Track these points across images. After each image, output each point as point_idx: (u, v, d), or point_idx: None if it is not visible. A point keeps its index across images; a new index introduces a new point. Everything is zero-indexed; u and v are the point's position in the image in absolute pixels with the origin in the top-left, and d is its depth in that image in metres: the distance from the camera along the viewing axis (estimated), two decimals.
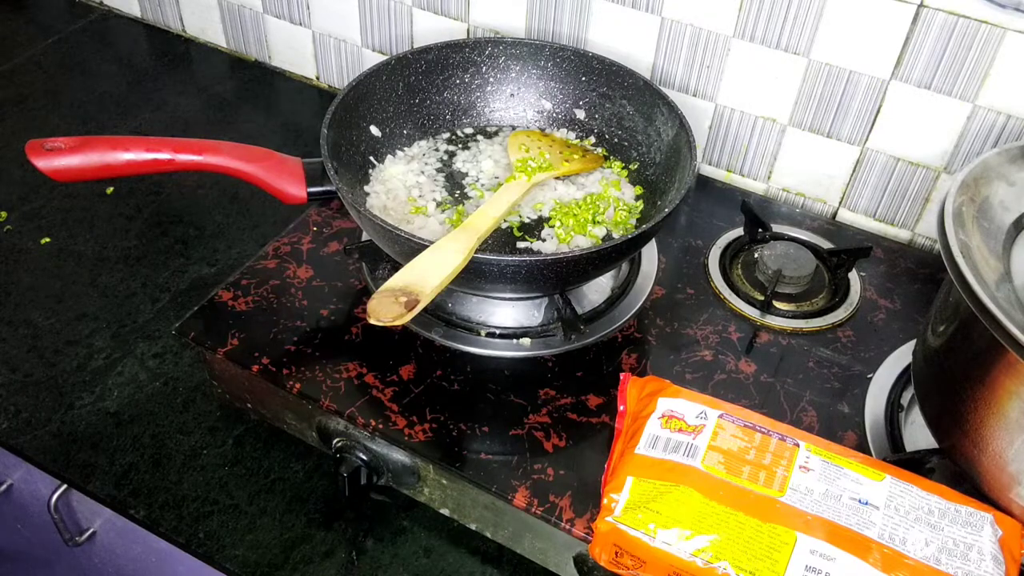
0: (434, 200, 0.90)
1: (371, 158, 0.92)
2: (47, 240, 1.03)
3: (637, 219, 0.89)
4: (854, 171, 1.00)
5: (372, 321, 0.62)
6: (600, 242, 0.85)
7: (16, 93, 1.25)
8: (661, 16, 0.99)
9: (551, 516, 0.69)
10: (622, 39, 1.03)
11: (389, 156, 0.94)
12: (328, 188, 0.80)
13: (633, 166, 0.94)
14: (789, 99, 0.99)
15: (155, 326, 0.93)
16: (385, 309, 0.63)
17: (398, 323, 0.62)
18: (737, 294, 0.91)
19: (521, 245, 0.86)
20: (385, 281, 0.85)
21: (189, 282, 0.98)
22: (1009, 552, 0.62)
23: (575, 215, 0.87)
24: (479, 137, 0.99)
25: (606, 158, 0.96)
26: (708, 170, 1.09)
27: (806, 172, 1.03)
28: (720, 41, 0.98)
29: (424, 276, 0.67)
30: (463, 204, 0.90)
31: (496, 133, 1.00)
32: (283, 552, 0.75)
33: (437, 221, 0.87)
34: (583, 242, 0.85)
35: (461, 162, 0.95)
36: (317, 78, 1.30)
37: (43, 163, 0.80)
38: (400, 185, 0.91)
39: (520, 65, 0.98)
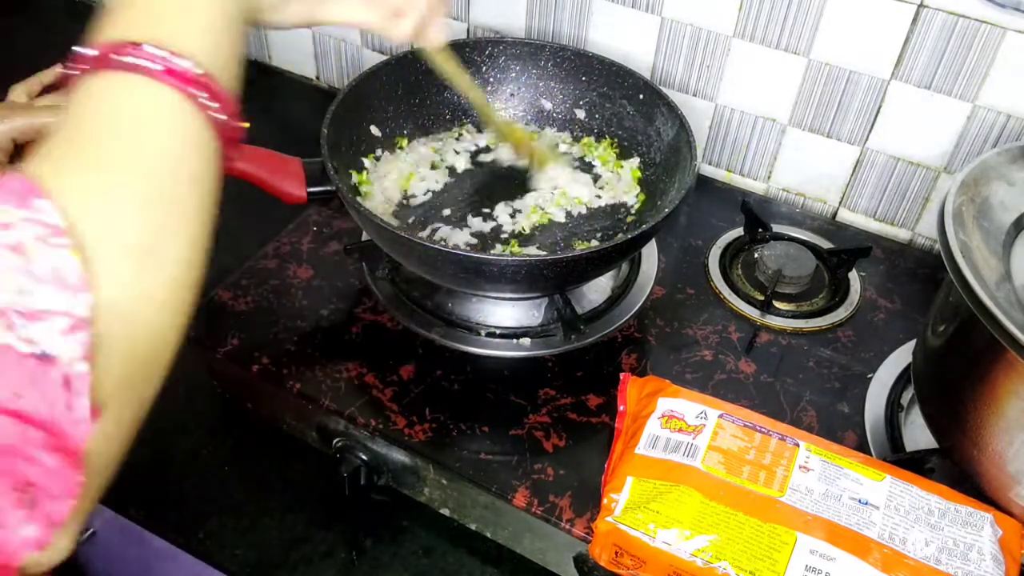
0: None
1: (371, 157, 0.92)
2: None
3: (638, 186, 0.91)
4: (854, 171, 1.00)
5: None
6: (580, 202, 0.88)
7: None
8: (661, 16, 0.99)
9: (551, 516, 0.69)
10: (622, 39, 1.03)
11: (389, 155, 0.94)
12: (328, 188, 0.80)
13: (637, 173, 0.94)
14: (789, 99, 0.99)
15: None
16: None
17: None
18: (737, 294, 0.91)
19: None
20: (385, 281, 0.86)
21: None
22: (1009, 552, 0.62)
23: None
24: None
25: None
26: (708, 170, 1.09)
27: (806, 172, 1.03)
28: (720, 41, 0.98)
29: None
30: None
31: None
32: (283, 552, 0.75)
33: None
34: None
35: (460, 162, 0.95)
36: (317, 78, 1.30)
37: None
38: (399, 185, 0.91)
39: (520, 65, 0.98)
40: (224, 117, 0.45)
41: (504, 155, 0.96)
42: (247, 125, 0.47)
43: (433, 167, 0.94)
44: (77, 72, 0.43)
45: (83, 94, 0.43)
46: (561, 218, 0.89)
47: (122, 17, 0.45)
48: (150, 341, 0.40)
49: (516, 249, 0.85)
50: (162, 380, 0.43)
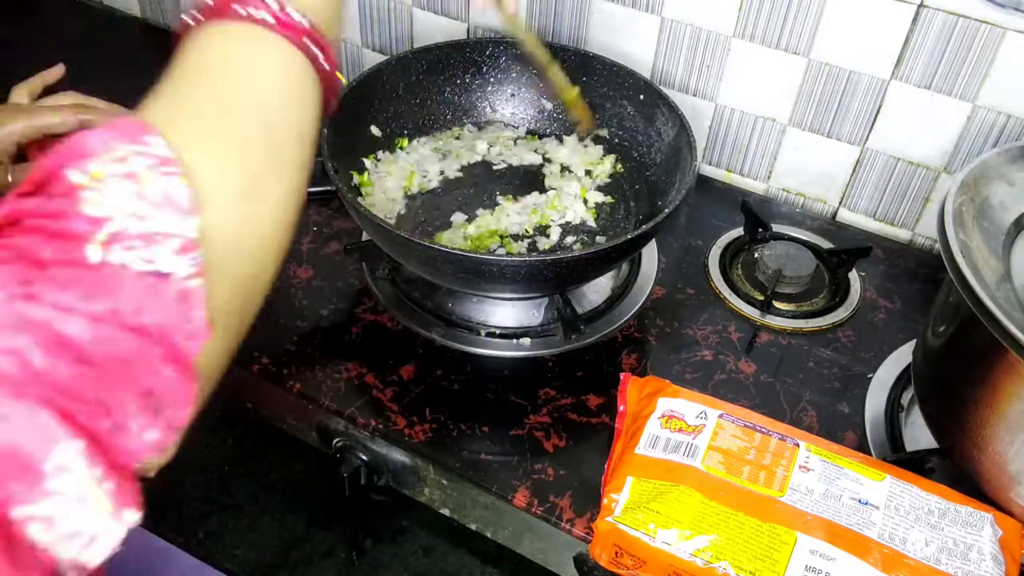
0: None
1: (372, 158, 0.92)
2: None
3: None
4: (854, 171, 1.00)
5: None
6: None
7: None
8: (661, 16, 0.99)
9: (551, 516, 0.69)
10: (622, 39, 1.03)
11: (389, 155, 0.94)
12: (328, 188, 0.81)
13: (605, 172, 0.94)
14: (789, 99, 0.99)
15: None
16: None
17: None
18: (737, 294, 0.91)
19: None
20: (385, 281, 0.86)
21: None
22: (1009, 552, 0.62)
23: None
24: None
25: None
26: (708, 170, 1.09)
27: (806, 172, 1.03)
28: (720, 41, 0.98)
29: None
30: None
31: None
32: (283, 552, 0.75)
33: None
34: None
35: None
36: None
37: None
38: (400, 185, 0.91)
39: (520, 65, 0.98)
40: (327, 67, 0.47)
41: (510, 158, 0.96)
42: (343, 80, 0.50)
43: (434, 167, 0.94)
44: (193, 21, 0.46)
45: (197, 40, 0.45)
46: (561, 219, 0.89)
47: None
48: (252, 268, 0.43)
49: (514, 248, 0.85)
50: (260, 307, 0.46)
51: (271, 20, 0.45)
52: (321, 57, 0.47)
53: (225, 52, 0.45)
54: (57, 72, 0.90)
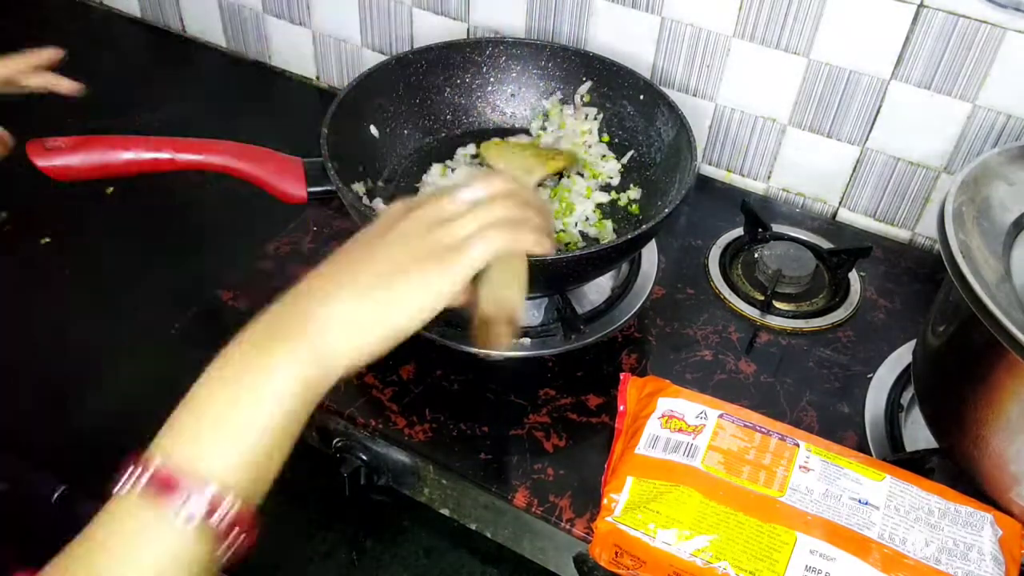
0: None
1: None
2: (47, 240, 1.02)
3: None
4: (854, 171, 1.00)
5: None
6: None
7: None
8: (661, 16, 0.99)
9: (551, 516, 0.69)
10: (622, 39, 1.03)
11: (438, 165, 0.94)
12: (328, 188, 0.80)
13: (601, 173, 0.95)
14: (789, 99, 0.99)
15: (155, 326, 0.93)
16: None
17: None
18: (737, 294, 0.91)
19: None
20: None
21: (189, 282, 0.98)
22: (1009, 552, 0.62)
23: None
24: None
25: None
26: (708, 170, 1.09)
27: (806, 172, 1.03)
28: (720, 41, 0.98)
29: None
30: None
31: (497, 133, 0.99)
32: (283, 552, 0.75)
33: None
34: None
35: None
36: (317, 78, 1.30)
37: (43, 162, 0.81)
38: None
39: (521, 65, 0.98)
40: (236, 533, 0.48)
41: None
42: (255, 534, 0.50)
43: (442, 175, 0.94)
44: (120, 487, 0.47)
45: (107, 509, 0.46)
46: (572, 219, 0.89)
47: (170, 432, 0.51)
48: None
49: None
50: None
51: (172, 497, 0.46)
52: (225, 527, 0.47)
53: (115, 528, 0.45)
54: (46, 55, 0.89)
